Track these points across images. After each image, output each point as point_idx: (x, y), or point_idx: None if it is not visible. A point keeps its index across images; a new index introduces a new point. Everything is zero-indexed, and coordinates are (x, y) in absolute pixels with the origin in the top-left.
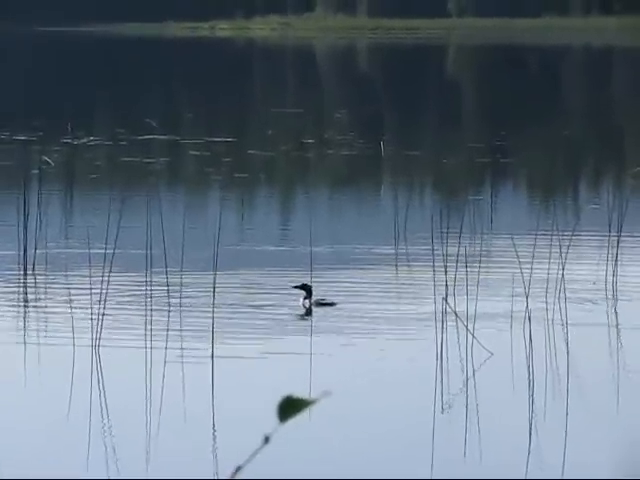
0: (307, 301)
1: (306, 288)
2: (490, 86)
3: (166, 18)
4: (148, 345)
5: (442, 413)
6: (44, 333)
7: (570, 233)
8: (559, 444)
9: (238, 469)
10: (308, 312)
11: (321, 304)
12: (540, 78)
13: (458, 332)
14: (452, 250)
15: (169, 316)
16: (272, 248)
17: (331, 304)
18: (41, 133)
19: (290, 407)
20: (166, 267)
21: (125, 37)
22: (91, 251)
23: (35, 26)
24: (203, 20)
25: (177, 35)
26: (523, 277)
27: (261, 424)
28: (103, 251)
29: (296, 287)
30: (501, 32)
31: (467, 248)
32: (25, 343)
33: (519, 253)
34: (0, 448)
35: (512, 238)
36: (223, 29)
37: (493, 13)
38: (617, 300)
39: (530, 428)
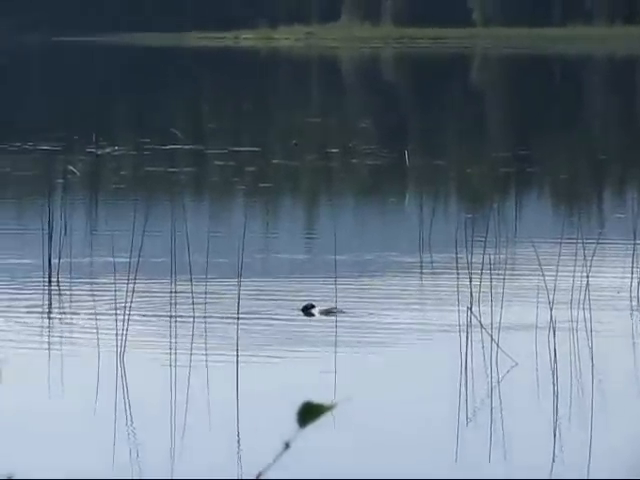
0: (312, 310)
1: (310, 307)
2: (515, 95)
3: (190, 28)
4: (173, 352)
5: (466, 422)
6: (69, 341)
7: (595, 242)
8: (584, 452)
9: (259, 475)
10: (309, 315)
11: (328, 312)
12: (565, 87)
13: (482, 341)
14: (477, 259)
15: (194, 323)
16: (296, 256)
17: (337, 311)
18: (65, 143)
19: (309, 412)
20: (191, 275)
21: (148, 47)
22: (115, 259)
23: (53, 36)
24: (227, 30)
25: (201, 45)
26: (547, 286)
27: (285, 430)
28: (128, 259)
29: (305, 309)
30: (526, 41)
31: (492, 257)
32: (50, 351)
33: (544, 262)
34: (26, 456)
35: (536, 247)
36: (247, 39)
37: (518, 22)
38: None
39: (554, 437)
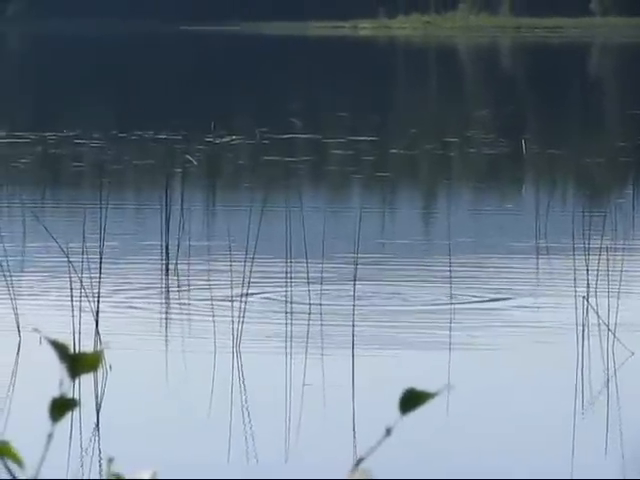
0: None
1: None
2: (634, 85)
3: (308, 17)
4: (288, 338)
5: (583, 413)
6: (185, 328)
7: None
8: None
9: (360, 461)
10: None
11: None
12: None
13: (600, 331)
14: (594, 247)
15: (310, 309)
16: (413, 242)
17: None
18: (184, 132)
19: (412, 400)
20: (307, 260)
21: (266, 36)
22: (232, 244)
23: (181, 25)
24: (345, 19)
25: (319, 34)
26: None
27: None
28: (244, 245)
29: None
30: None
31: (609, 246)
32: (166, 338)
33: None
34: (141, 445)
35: None
36: (365, 28)
37: (636, 12)
38: None
39: None
